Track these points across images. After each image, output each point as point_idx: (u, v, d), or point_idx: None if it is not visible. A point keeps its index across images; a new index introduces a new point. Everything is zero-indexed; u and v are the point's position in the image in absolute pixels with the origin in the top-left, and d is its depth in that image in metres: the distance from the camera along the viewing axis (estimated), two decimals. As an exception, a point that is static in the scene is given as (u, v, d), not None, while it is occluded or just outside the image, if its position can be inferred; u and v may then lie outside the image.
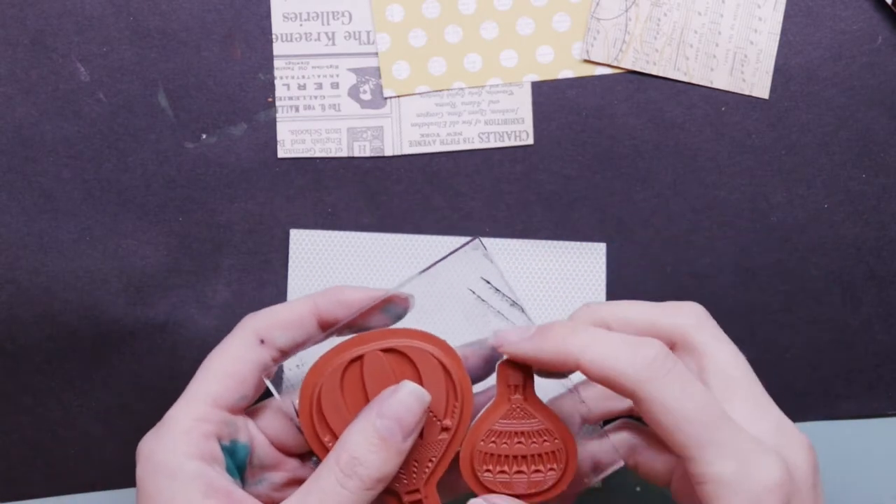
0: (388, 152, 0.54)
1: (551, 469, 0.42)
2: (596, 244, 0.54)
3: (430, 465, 0.42)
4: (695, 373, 0.42)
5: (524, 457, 0.42)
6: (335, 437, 0.41)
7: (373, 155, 0.54)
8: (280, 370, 0.44)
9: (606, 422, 0.46)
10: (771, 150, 0.54)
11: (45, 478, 0.54)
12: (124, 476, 0.54)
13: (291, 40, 0.54)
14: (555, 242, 0.54)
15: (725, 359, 0.42)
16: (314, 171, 0.54)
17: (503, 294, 0.44)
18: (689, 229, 0.54)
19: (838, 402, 0.54)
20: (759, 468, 0.38)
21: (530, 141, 0.54)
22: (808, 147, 0.54)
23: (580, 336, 0.41)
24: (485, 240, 0.54)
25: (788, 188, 0.54)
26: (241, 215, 0.54)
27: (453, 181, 0.54)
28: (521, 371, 0.43)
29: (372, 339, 0.43)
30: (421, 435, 0.42)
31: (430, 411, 0.42)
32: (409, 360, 0.42)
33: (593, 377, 0.40)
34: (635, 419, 0.45)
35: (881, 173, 0.54)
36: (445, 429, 0.42)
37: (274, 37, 0.54)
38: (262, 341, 0.44)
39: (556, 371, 0.42)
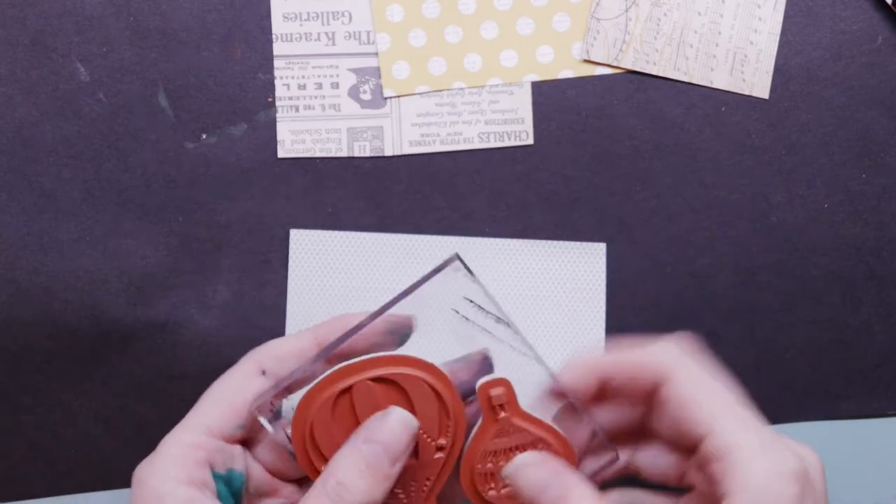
0: (388, 152, 0.54)
1: None
2: (596, 244, 0.54)
3: (427, 483, 0.42)
4: (681, 400, 0.42)
5: None
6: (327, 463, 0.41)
7: (373, 155, 0.54)
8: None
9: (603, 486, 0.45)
10: (771, 150, 0.54)
11: (45, 478, 0.54)
12: (124, 476, 0.54)
13: (291, 40, 0.54)
14: (555, 242, 0.54)
15: (709, 385, 0.42)
16: (314, 171, 0.54)
17: (487, 311, 0.44)
18: (689, 229, 0.54)
19: (838, 402, 0.54)
20: (780, 455, 0.39)
21: (530, 141, 0.54)
22: (808, 147, 0.54)
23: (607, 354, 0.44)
24: (485, 240, 0.54)
25: (788, 188, 0.54)
26: (241, 215, 0.54)
27: (453, 181, 0.54)
28: (503, 388, 0.43)
29: (362, 368, 0.42)
30: (417, 456, 0.42)
31: (424, 433, 0.42)
32: (398, 386, 0.42)
33: (629, 371, 0.43)
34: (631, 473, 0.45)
35: (881, 173, 0.54)
36: (441, 448, 0.42)
37: (274, 37, 0.54)
38: (264, 372, 0.44)
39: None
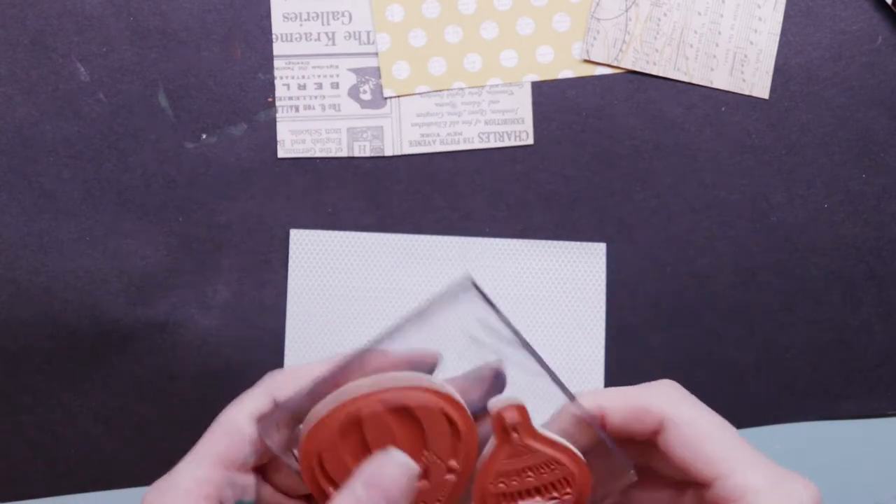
0: (388, 152, 0.54)
1: (567, 493, 0.42)
2: (596, 244, 0.54)
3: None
4: (688, 441, 0.42)
5: (537, 488, 0.42)
6: (336, 487, 0.41)
7: (373, 155, 0.54)
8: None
9: None
10: (771, 150, 0.54)
11: (45, 478, 0.54)
12: (124, 476, 0.54)
13: (291, 40, 0.54)
14: (555, 242, 0.54)
15: (714, 424, 0.42)
16: (314, 171, 0.54)
17: (501, 333, 0.43)
18: (689, 229, 0.54)
19: (838, 402, 0.54)
20: (793, 492, 0.39)
21: (530, 141, 0.54)
22: (808, 147, 0.54)
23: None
24: (485, 240, 0.54)
25: (788, 188, 0.54)
26: (241, 215, 0.54)
27: (453, 181, 0.54)
28: (517, 410, 0.42)
29: (371, 391, 0.42)
30: (428, 478, 0.42)
31: (435, 455, 0.41)
32: (409, 410, 0.42)
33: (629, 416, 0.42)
34: None
35: (881, 173, 0.54)
36: (452, 470, 0.42)
37: (274, 37, 0.54)
38: (277, 402, 0.43)
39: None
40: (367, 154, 0.54)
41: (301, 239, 0.54)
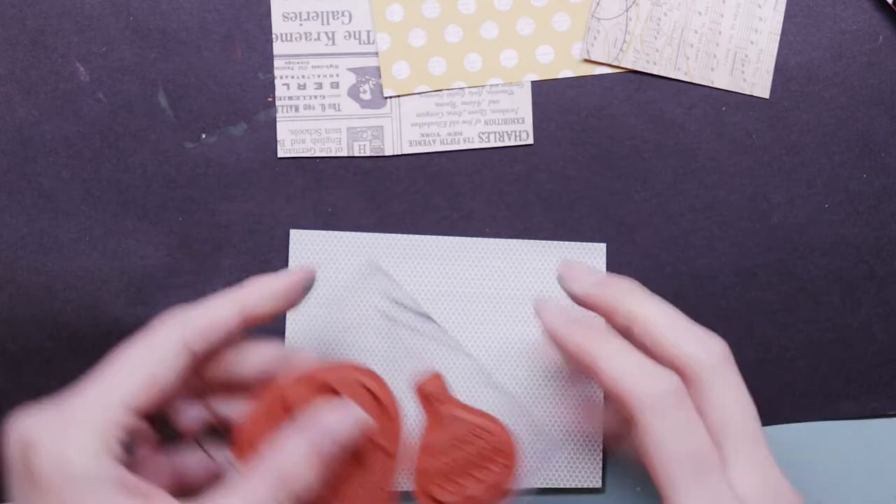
0: (388, 152, 0.54)
1: (503, 463, 0.43)
2: (596, 244, 0.54)
3: (370, 483, 0.42)
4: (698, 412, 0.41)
5: (469, 461, 0.43)
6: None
7: (373, 155, 0.54)
8: None
9: None
10: (771, 150, 0.54)
11: (46, 477, 0.54)
12: (124, 476, 0.54)
13: (291, 40, 0.54)
14: (555, 242, 0.54)
15: (731, 407, 0.41)
16: (314, 171, 0.54)
17: (409, 309, 0.45)
18: (689, 229, 0.54)
19: (838, 402, 0.54)
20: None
21: (530, 141, 0.54)
22: (808, 147, 0.54)
23: (606, 345, 0.41)
24: (485, 240, 0.54)
25: (788, 188, 0.54)
26: (241, 215, 0.54)
27: (453, 181, 0.54)
28: (434, 379, 0.43)
29: (298, 378, 0.43)
30: (362, 461, 0.42)
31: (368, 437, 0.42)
32: (334, 390, 0.42)
33: (604, 387, 0.41)
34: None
35: (881, 173, 0.54)
36: (380, 447, 0.42)
37: (274, 36, 0.54)
38: (194, 352, 0.42)
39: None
40: (367, 154, 0.54)
41: (301, 239, 0.54)
